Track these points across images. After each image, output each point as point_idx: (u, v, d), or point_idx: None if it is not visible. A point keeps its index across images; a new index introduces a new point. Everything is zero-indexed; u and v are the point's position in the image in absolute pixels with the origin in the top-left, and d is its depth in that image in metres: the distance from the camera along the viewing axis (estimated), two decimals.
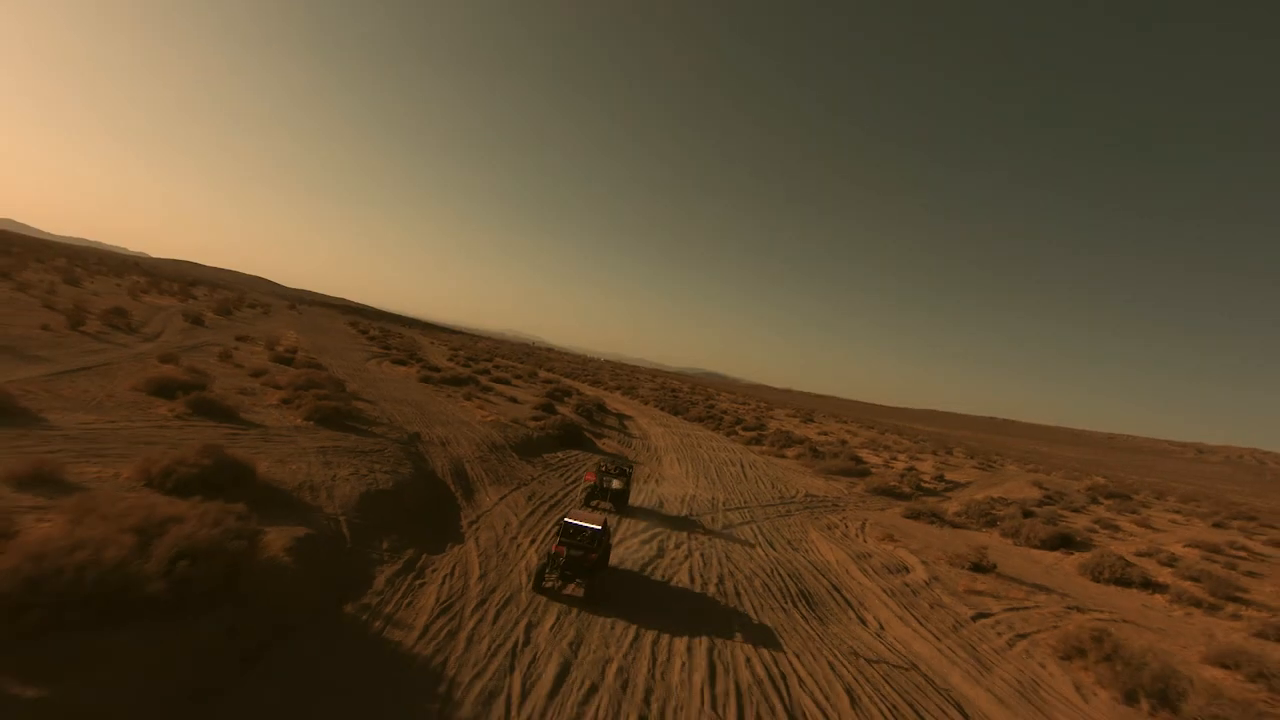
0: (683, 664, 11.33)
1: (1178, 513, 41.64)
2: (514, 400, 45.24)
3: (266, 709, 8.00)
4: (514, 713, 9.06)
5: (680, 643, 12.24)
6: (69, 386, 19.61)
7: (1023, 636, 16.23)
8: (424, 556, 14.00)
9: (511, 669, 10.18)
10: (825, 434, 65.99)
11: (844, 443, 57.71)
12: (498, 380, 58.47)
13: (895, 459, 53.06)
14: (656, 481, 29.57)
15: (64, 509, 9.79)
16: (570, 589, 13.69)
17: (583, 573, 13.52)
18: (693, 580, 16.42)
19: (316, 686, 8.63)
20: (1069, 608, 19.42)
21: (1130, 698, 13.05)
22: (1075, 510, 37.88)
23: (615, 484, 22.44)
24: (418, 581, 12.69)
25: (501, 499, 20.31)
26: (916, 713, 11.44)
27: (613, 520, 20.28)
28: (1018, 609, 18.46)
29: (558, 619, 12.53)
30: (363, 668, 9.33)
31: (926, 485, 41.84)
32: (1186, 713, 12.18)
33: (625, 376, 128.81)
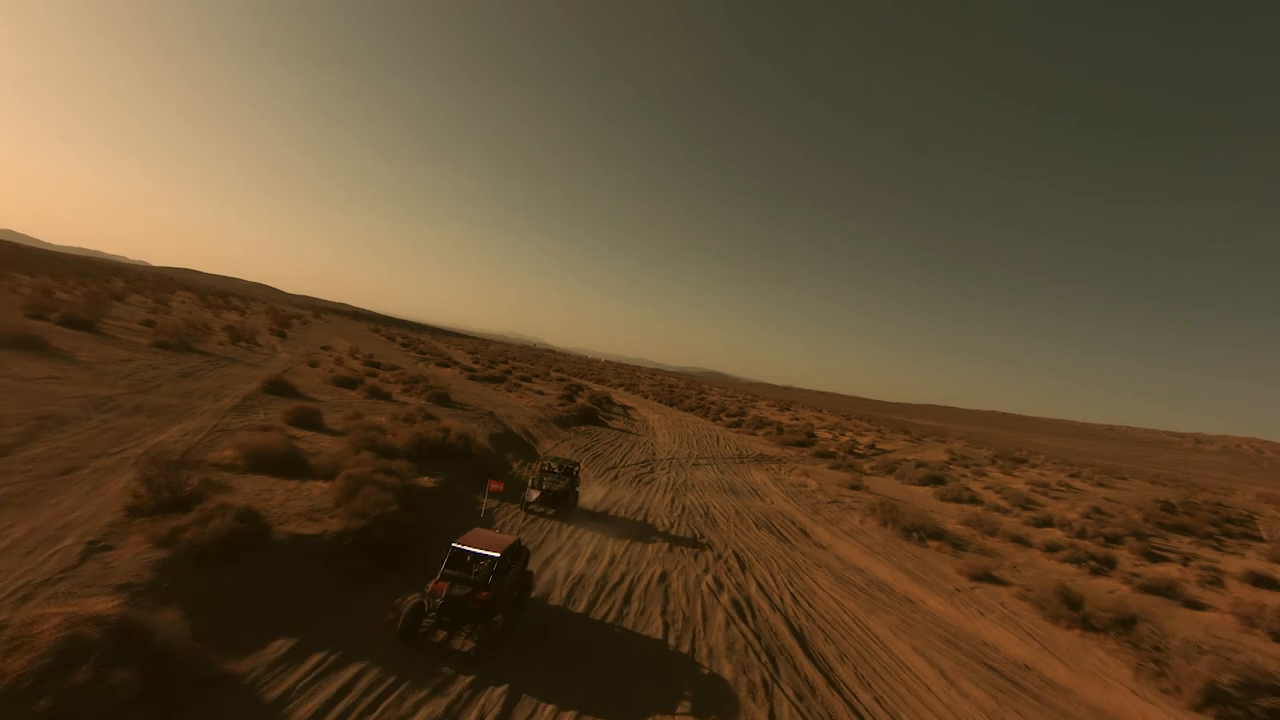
0: (659, 498, 25.15)
1: (1054, 469, 55.35)
2: (541, 393, 58.93)
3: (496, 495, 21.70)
4: (591, 494, 22.81)
5: (659, 493, 26.07)
6: (293, 381, 33.26)
7: (852, 510, 29.95)
8: (531, 461, 27.78)
9: (594, 481, 23.95)
10: (796, 419, 79.87)
11: (810, 425, 71.50)
12: (522, 379, 72.19)
13: (843, 435, 66.83)
14: (652, 446, 43.33)
15: (392, 426, 23.53)
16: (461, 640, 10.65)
17: (469, 618, 10.40)
18: (668, 482, 30.20)
19: (506, 491, 22.34)
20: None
21: (883, 524, 26.79)
22: (967, 467, 51.59)
23: (559, 484, 20.67)
24: (534, 468, 26.46)
25: (555, 445, 34.11)
26: (771, 522, 25.19)
27: (530, 540, 16.72)
28: (862, 502, 32.16)
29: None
30: (521, 486, 23.07)
31: (859, 452, 55.57)
32: (899, 524, 25.89)
33: (627, 375, 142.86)
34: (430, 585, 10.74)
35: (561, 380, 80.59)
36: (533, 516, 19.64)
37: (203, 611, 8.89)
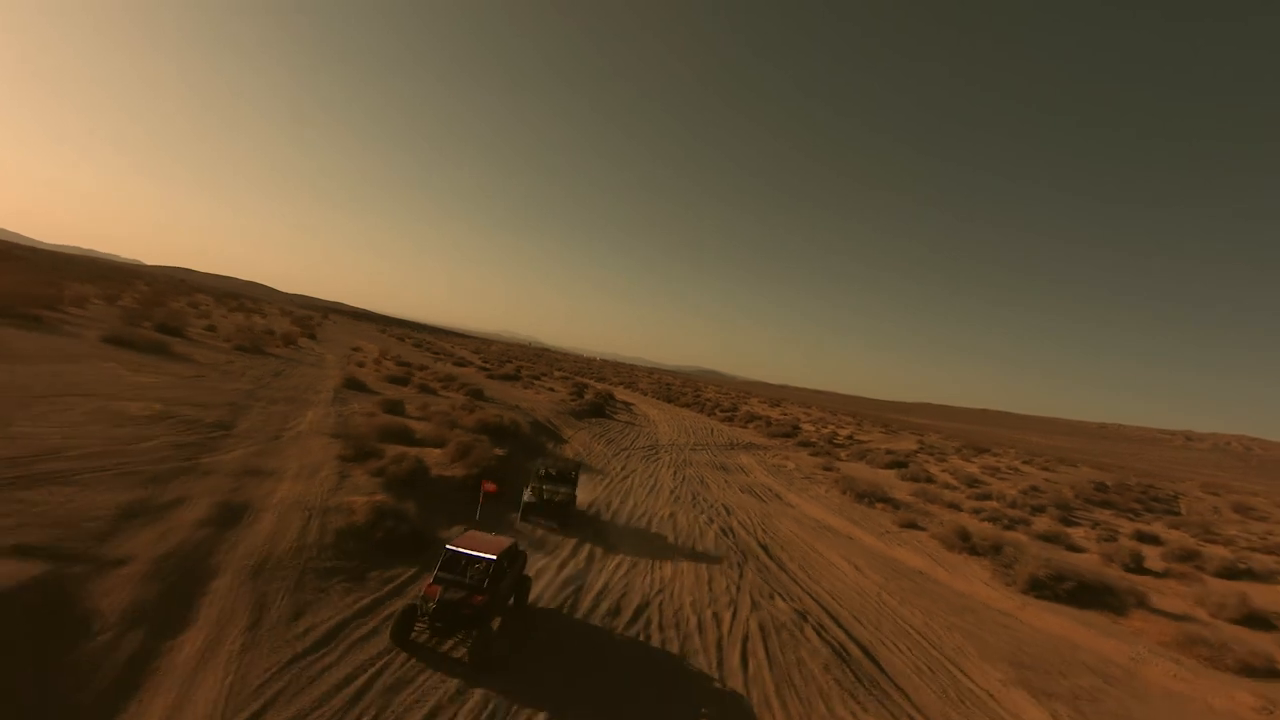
0: (665, 471, 32.28)
1: (1012, 457, 62.73)
2: (552, 390, 65.89)
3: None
4: (612, 466, 29.89)
5: (664, 467, 33.21)
6: (360, 378, 40.07)
7: (820, 483, 37.10)
8: (560, 443, 34.79)
9: (629, 466, 31.03)
10: (785, 414, 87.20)
11: (796, 419, 78.75)
12: (533, 377, 79.10)
13: (826, 428, 74.07)
14: (655, 435, 50.43)
15: (457, 414, 30.50)
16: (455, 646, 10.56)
17: (463, 623, 10.34)
18: (670, 460, 37.26)
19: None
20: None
21: (842, 493, 33.98)
22: (932, 454, 58.87)
23: (559, 493, 18.94)
24: (563, 447, 33.49)
25: (575, 432, 41.16)
26: (752, 488, 32.28)
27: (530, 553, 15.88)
28: (829, 478, 39.30)
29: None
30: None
31: (838, 442, 62.82)
32: (854, 492, 33.04)
33: (625, 374, 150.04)
34: (423, 589, 10.71)
35: (566, 379, 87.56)
36: (532, 528, 18.12)
37: (416, 507, 15.86)
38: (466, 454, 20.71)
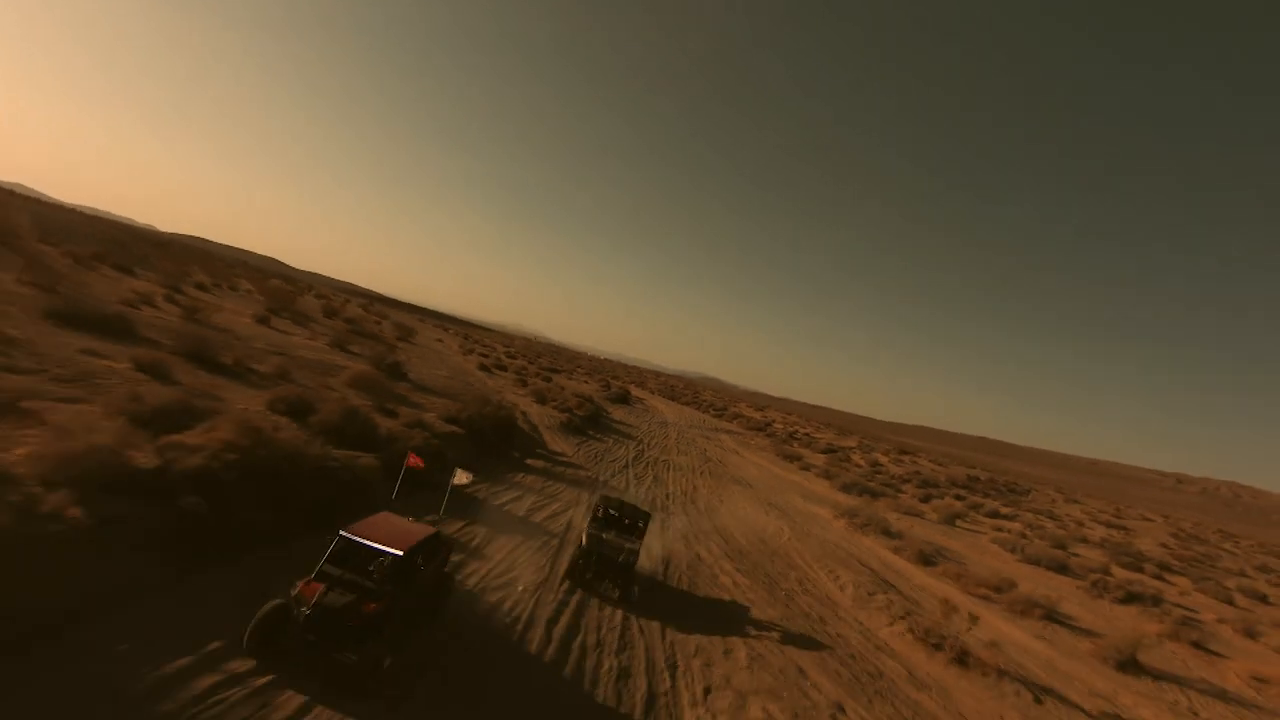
0: (672, 434, 57.66)
1: (927, 460, 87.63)
2: (585, 382, 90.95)
3: (602, 428, 53.85)
4: (644, 432, 55.17)
5: (672, 430, 58.61)
6: (484, 364, 65.02)
7: (766, 452, 62.15)
8: (608, 415, 59.98)
9: (651, 428, 56.32)
10: (765, 416, 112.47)
11: (771, 420, 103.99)
12: (567, 373, 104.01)
13: (793, 427, 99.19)
14: (663, 418, 75.53)
15: (560, 391, 55.70)
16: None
17: (344, 638, 8.00)
18: (675, 429, 62.34)
19: (609, 429, 54.48)
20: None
21: (775, 455, 59.08)
22: (865, 451, 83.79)
23: (623, 550, 14.05)
24: (610, 420, 58.68)
25: (613, 410, 66.34)
26: (722, 446, 57.49)
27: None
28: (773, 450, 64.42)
29: None
30: (612, 425, 55.21)
31: (796, 436, 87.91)
32: (782, 454, 58.12)
33: (635, 375, 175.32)
34: (299, 586, 8.34)
35: (590, 375, 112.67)
36: (582, 588, 13.62)
37: (578, 420, 40.89)
38: (581, 406, 45.78)
